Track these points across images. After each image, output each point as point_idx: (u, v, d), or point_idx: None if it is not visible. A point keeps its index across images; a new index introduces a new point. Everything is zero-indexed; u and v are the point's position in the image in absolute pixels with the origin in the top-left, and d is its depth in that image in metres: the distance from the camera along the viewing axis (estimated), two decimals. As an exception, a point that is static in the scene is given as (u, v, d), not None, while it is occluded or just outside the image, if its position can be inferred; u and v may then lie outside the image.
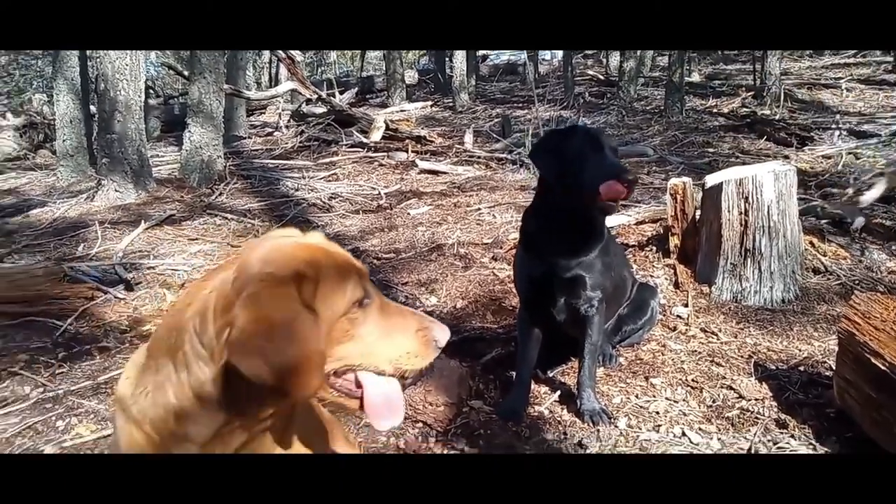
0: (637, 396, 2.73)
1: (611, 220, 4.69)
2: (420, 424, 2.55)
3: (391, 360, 1.21)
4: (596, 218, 2.68)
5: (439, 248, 4.67)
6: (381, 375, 1.22)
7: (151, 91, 13.15)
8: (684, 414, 2.58)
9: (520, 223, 2.86)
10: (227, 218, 5.72)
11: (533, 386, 2.83)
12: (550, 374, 2.96)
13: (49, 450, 2.48)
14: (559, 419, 2.62)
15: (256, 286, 1.07)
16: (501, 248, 4.54)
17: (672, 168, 7.08)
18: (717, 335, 3.23)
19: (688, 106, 11.15)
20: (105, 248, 4.97)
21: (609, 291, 2.78)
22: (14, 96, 17.35)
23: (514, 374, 2.82)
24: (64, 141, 8.00)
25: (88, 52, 8.12)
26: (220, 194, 6.63)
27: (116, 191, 6.38)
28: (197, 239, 5.23)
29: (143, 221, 5.44)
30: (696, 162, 7.38)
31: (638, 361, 3.04)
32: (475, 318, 3.59)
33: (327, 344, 1.12)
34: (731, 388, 2.74)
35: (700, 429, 2.49)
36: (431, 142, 8.95)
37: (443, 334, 1.24)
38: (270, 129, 11.37)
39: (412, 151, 8.36)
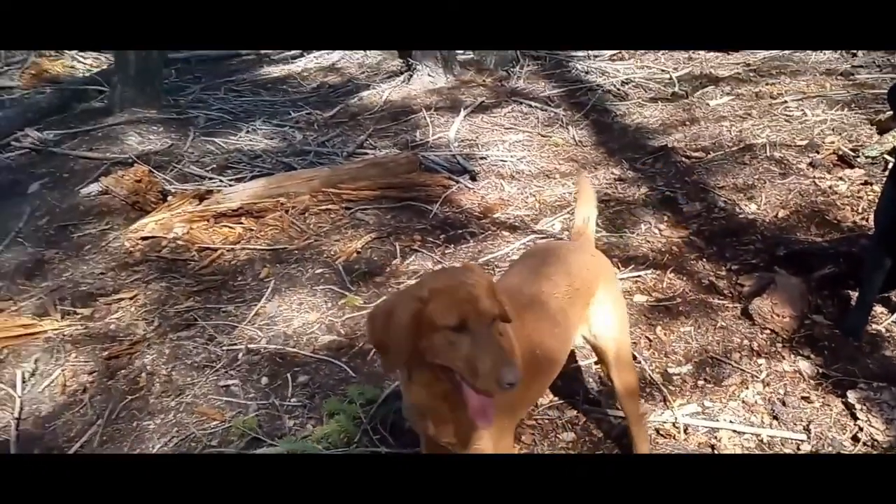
0: None
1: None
2: (768, 331, 3.03)
3: (465, 374, 1.62)
4: None
5: (749, 149, 4.81)
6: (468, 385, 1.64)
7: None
8: None
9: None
10: (531, 106, 6.28)
11: (869, 305, 3.13)
12: (887, 294, 3.21)
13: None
14: None
15: (397, 296, 1.85)
16: (818, 152, 4.57)
17: None
18: None
19: None
20: (438, 136, 5.82)
21: None
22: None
23: (848, 292, 3.15)
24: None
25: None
26: (519, 78, 7.15)
27: (429, 75, 7.20)
28: (511, 128, 5.89)
29: (461, 110, 6.21)
30: None
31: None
32: (799, 230, 3.84)
33: (426, 345, 1.66)
34: None
35: None
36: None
37: (509, 375, 1.56)
38: None
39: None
